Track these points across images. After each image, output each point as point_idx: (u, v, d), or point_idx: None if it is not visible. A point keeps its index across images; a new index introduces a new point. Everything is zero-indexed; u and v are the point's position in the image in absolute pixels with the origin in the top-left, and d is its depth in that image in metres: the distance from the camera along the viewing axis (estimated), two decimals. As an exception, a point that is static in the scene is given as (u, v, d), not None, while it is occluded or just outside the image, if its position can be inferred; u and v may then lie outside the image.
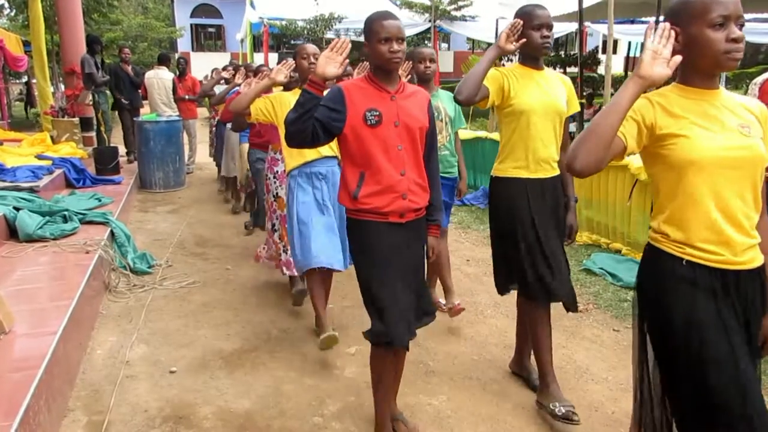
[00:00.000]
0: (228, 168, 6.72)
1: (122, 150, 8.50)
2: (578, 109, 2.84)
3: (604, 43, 18.36)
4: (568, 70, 12.84)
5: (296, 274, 3.59)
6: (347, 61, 2.30)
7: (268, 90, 3.39)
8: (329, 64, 2.19)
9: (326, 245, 3.22)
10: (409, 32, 13.58)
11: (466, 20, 13.76)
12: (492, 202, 2.80)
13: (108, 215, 4.89)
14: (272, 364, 3.18)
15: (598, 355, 3.30)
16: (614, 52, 15.70)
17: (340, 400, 2.83)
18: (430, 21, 13.38)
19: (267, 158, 3.98)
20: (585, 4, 7.40)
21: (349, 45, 2.25)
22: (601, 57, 13.49)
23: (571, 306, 2.68)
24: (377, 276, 2.27)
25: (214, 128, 7.81)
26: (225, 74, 6.17)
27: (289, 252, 3.60)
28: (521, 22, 2.53)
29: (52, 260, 3.92)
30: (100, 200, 5.55)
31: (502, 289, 2.85)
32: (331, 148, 3.25)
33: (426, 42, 17.09)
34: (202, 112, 11.83)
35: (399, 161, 2.24)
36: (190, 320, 3.75)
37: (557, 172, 2.70)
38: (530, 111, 2.57)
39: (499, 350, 3.35)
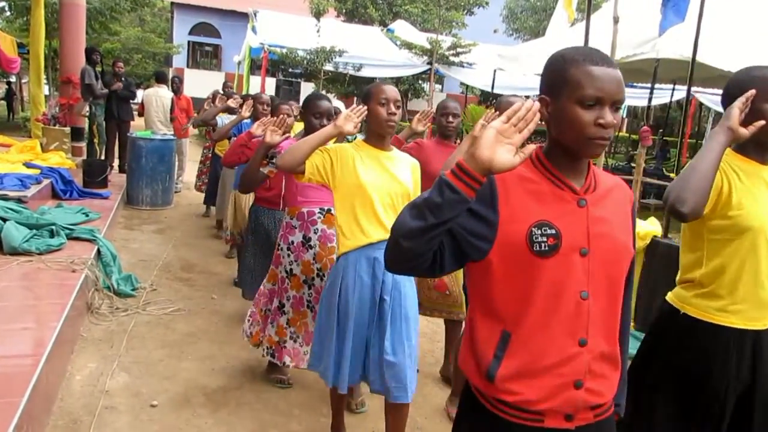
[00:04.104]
0: (224, 212, 5.72)
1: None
2: None
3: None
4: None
5: (302, 367, 3.07)
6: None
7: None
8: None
9: (369, 364, 2.48)
10: (407, 72, 13.82)
11: (463, 66, 14.02)
12: (665, 345, 1.94)
13: (95, 232, 4.80)
14: (257, 405, 3.12)
15: None
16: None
17: (326, 451, 2.77)
18: (427, 63, 13.60)
19: (282, 223, 3.25)
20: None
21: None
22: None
23: None
24: None
25: (207, 159, 7.28)
26: (232, 103, 5.45)
27: (299, 340, 3.10)
28: (754, 92, 1.76)
29: (37, 277, 3.82)
30: (87, 215, 5.45)
31: None
32: None
33: (420, 82, 17.38)
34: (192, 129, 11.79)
35: (579, 320, 1.31)
36: (173, 350, 3.67)
37: None
38: (760, 229, 1.78)
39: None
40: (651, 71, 6.83)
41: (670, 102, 11.97)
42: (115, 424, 2.81)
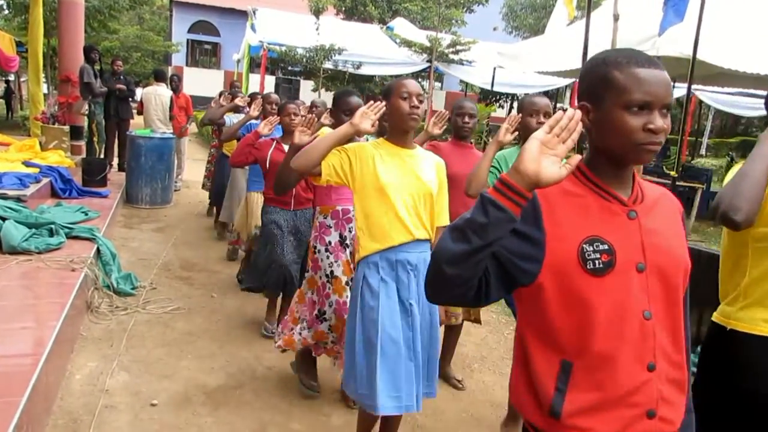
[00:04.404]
0: (231, 215, 5.72)
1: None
2: None
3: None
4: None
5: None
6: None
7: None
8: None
9: (404, 379, 2.28)
10: (406, 70, 13.79)
11: (462, 64, 14.02)
12: (718, 367, 1.84)
13: (95, 231, 4.79)
14: (257, 404, 3.11)
15: None
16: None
17: (326, 450, 2.77)
18: (427, 61, 13.59)
19: (315, 224, 3.12)
20: (576, 66, 7.60)
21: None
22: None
23: None
24: None
25: (213, 158, 7.14)
26: (239, 101, 5.33)
27: (342, 341, 2.88)
28: None
29: (37, 276, 3.82)
30: (86, 214, 5.44)
31: None
32: (424, 227, 2.37)
33: (420, 80, 17.37)
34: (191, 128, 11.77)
35: (646, 343, 1.22)
36: (173, 349, 3.66)
37: None
38: None
39: (487, 409, 3.32)
40: (651, 69, 6.81)
41: (671, 100, 11.93)
42: (115, 423, 2.81)
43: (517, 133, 2.78)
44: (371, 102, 2.30)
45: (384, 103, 2.32)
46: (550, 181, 1.09)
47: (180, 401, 3.07)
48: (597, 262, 1.19)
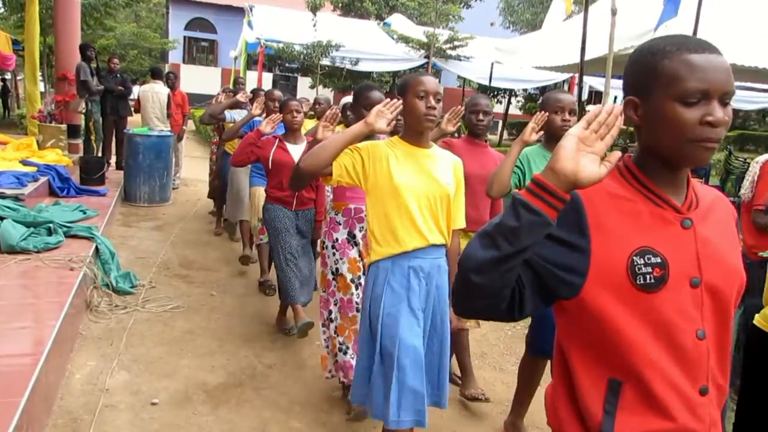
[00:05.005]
0: (234, 213, 5.72)
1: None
2: None
3: (590, 94, 18.85)
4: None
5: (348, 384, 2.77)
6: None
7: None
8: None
9: (413, 394, 2.19)
10: (404, 66, 13.77)
11: (460, 60, 13.99)
12: (761, 375, 1.83)
13: (93, 230, 4.78)
14: (257, 402, 3.11)
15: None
16: (598, 103, 16.11)
17: (327, 447, 2.77)
18: (424, 57, 13.57)
19: (327, 219, 3.10)
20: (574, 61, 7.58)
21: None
22: (589, 108, 13.80)
23: None
24: None
25: (214, 156, 6.98)
26: (241, 97, 5.18)
27: (348, 353, 2.86)
28: None
29: (35, 275, 3.81)
30: (84, 212, 5.42)
31: None
32: (440, 231, 2.26)
33: (418, 76, 17.29)
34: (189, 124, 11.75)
35: (699, 366, 1.13)
36: (172, 348, 3.66)
37: None
38: None
39: (487, 405, 3.31)
40: (649, 64, 6.80)
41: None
42: (115, 422, 2.80)
43: (542, 132, 2.69)
44: (387, 99, 2.18)
45: (400, 100, 2.19)
46: (590, 181, 1.00)
47: (180, 400, 3.06)
48: (648, 276, 1.08)
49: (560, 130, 2.65)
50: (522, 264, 1.03)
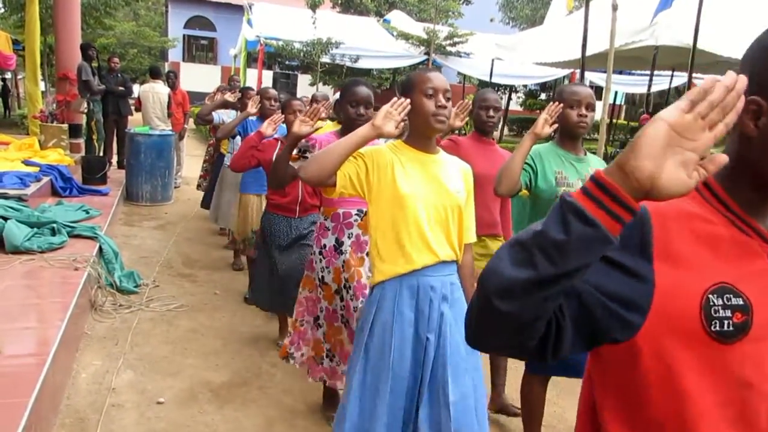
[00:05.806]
0: (216, 215, 5.45)
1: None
2: None
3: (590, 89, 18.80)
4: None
5: (339, 388, 2.71)
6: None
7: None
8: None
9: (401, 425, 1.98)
10: (404, 63, 13.77)
11: (460, 56, 13.98)
12: None
13: (97, 230, 4.79)
14: (263, 401, 3.12)
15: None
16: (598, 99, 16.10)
17: (333, 445, 2.78)
18: (425, 53, 13.57)
19: (316, 225, 2.90)
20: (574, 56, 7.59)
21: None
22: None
23: None
24: None
25: (210, 156, 6.86)
26: (229, 97, 4.99)
27: (335, 359, 2.74)
28: None
29: (40, 275, 3.82)
30: (88, 212, 5.43)
31: None
32: (451, 246, 2.03)
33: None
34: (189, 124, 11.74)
35: None
36: (177, 347, 3.67)
37: None
38: None
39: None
40: (650, 58, 6.82)
41: (669, 88, 11.94)
42: (122, 421, 2.82)
43: (556, 125, 2.44)
44: (395, 99, 1.96)
45: (408, 100, 1.96)
46: (670, 193, 0.71)
47: (186, 399, 3.08)
48: (726, 322, 0.81)
49: (576, 126, 2.43)
50: (565, 291, 0.75)
